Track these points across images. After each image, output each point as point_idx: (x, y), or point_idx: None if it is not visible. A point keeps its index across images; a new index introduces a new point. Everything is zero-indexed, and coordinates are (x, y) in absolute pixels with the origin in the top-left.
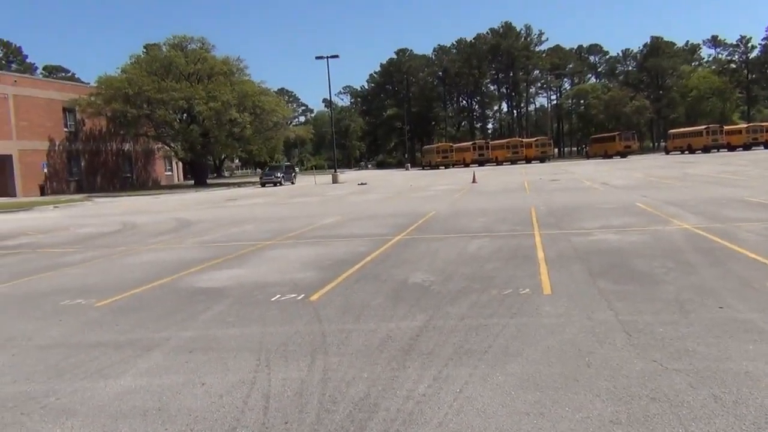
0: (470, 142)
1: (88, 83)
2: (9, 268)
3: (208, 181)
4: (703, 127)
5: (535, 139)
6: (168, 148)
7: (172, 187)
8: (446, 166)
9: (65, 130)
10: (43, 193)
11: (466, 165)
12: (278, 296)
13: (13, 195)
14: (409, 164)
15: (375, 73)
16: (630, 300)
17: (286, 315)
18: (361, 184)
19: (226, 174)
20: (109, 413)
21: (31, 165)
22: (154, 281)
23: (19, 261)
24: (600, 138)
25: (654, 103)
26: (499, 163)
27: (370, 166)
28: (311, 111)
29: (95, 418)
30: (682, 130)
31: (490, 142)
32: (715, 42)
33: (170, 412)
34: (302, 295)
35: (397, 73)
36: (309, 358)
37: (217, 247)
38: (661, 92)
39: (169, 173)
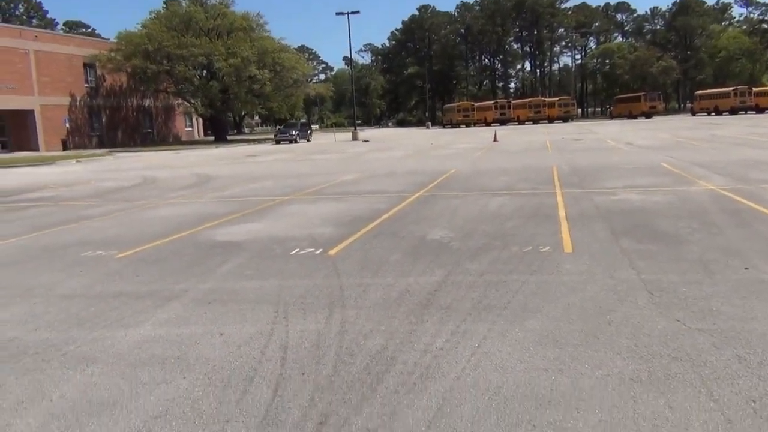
0: (492, 101)
1: (108, 39)
2: (31, 220)
3: (228, 137)
4: (731, 88)
5: (557, 98)
6: (188, 105)
7: (192, 143)
8: (467, 125)
9: (86, 85)
10: (65, 147)
11: (487, 124)
12: (297, 250)
13: (36, 149)
14: (429, 123)
15: (396, 30)
16: (653, 259)
17: (305, 269)
18: (364, 141)
19: (246, 131)
20: (129, 361)
21: (53, 120)
22: (174, 234)
23: (40, 213)
24: (625, 98)
25: (681, 63)
26: (520, 122)
27: (390, 124)
28: (331, 69)
29: (114, 366)
30: (709, 91)
31: (512, 102)
32: (747, 1)
33: (189, 360)
34: (320, 250)
35: (419, 30)
36: (327, 311)
37: (236, 201)
38: (688, 52)
39: (190, 129)
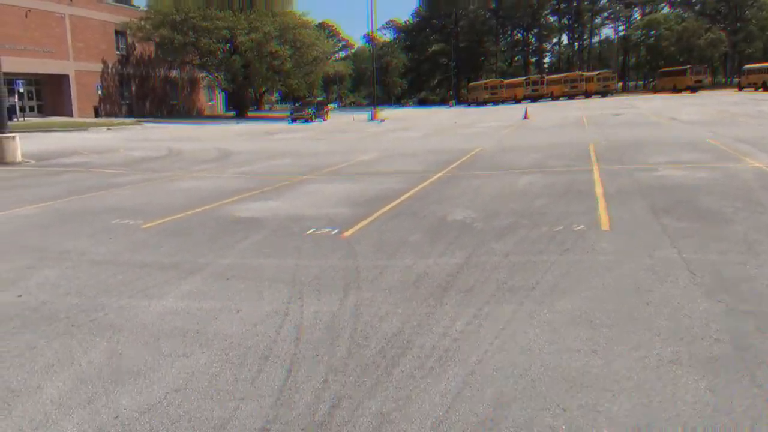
0: (522, 78)
1: (139, 7)
2: (66, 185)
3: (249, 113)
4: None
5: (596, 72)
6: (211, 78)
7: (214, 117)
8: (495, 103)
9: (117, 53)
10: (97, 114)
11: (518, 101)
12: (313, 230)
13: (70, 115)
14: (453, 101)
15: (421, 6)
16: (695, 238)
17: (321, 249)
18: (381, 120)
19: (266, 107)
20: (152, 332)
21: (87, 86)
22: (197, 208)
23: (73, 179)
24: (669, 71)
25: (730, 35)
26: (555, 98)
27: (410, 103)
28: (352, 47)
29: (139, 335)
30: (758, 65)
31: (546, 77)
32: None
33: (207, 335)
34: (337, 230)
35: (446, 5)
36: (342, 292)
37: (256, 178)
38: (738, 25)
39: (212, 103)
